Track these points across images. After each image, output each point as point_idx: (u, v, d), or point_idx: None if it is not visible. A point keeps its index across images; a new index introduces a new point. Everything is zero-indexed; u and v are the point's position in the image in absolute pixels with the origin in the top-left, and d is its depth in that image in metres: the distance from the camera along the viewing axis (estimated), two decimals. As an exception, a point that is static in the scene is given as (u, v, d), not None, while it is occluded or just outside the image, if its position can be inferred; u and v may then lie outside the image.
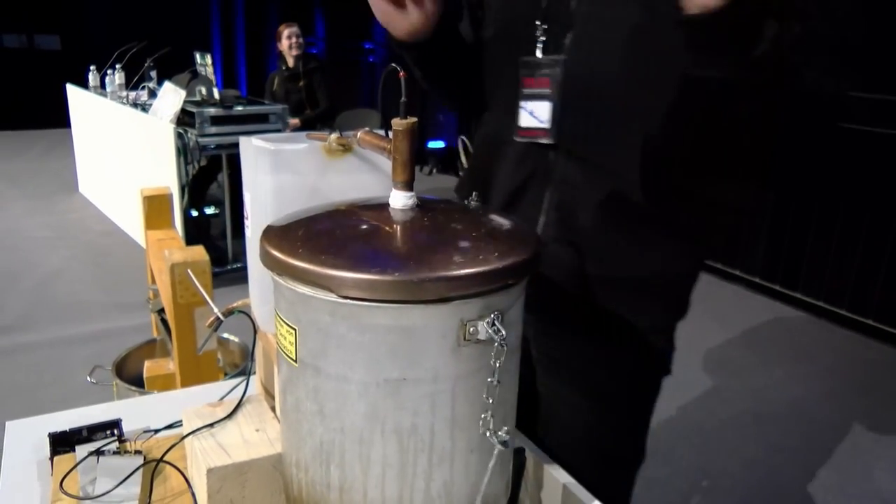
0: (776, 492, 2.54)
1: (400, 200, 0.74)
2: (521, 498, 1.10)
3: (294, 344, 0.69)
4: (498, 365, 0.66)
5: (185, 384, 1.75)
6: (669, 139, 1.00)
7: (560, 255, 1.06)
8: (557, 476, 1.02)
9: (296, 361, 0.69)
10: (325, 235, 0.70)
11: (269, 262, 0.68)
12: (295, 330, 0.68)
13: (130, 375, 2.15)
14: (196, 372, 1.74)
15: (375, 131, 0.82)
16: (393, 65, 0.73)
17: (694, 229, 1.08)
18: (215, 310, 1.02)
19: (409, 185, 0.73)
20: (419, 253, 0.67)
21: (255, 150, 0.91)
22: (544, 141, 1.05)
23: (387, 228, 0.71)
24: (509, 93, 1.07)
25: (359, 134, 0.83)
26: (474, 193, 0.82)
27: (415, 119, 0.71)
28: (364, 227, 0.71)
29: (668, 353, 1.14)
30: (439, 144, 7.32)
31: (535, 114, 1.05)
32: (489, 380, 0.67)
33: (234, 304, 1.04)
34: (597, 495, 0.97)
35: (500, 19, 1.10)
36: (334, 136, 0.89)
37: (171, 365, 2.03)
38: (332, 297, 0.63)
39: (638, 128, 1.00)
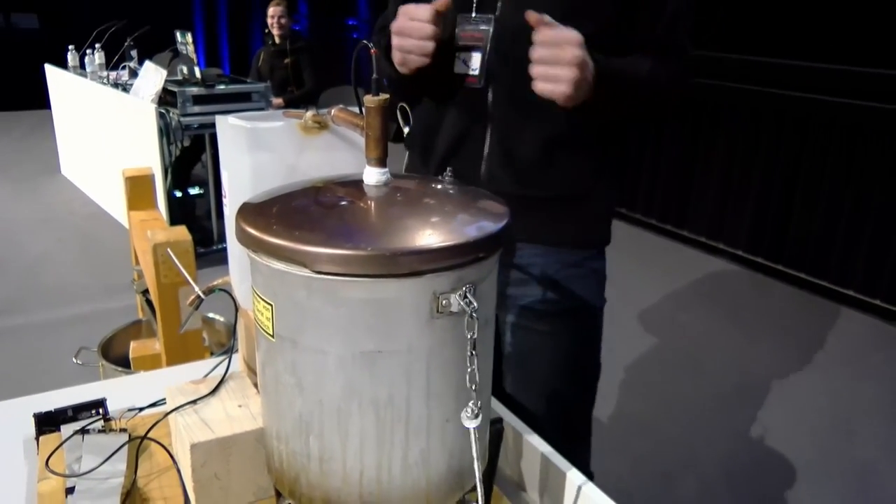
0: (759, 465, 2.59)
1: (373, 177, 0.75)
2: (500, 467, 1.13)
3: (271, 319, 0.70)
4: (471, 336, 0.68)
5: (170, 364, 1.76)
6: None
7: (503, 181, 1.25)
8: (536, 445, 1.05)
9: (273, 336, 0.70)
10: (299, 212, 0.71)
11: (245, 238, 0.69)
12: (271, 305, 0.69)
13: (117, 356, 2.16)
14: (182, 351, 1.75)
15: (349, 108, 0.83)
16: (364, 42, 0.74)
17: (611, 150, 1.29)
18: (196, 288, 1.03)
19: (382, 162, 0.74)
20: (392, 227, 0.68)
21: (231, 129, 0.92)
22: (475, 85, 1.24)
23: (360, 204, 0.72)
24: (449, 48, 1.23)
25: (333, 111, 0.84)
26: (448, 169, 0.83)
27: (386, 96, 0.72)
28: (338, 203, 0.72)
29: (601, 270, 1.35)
30: (425, 122, 7.29)
31: (467, 62, 1.24)
32: (465, 352, 0.69)
33: (215, 283, 1.05)
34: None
35: None
36: (310, 113, 0.90)
37: (156, 345, 2.03)
38: (306, 272, 0.64)
39: None
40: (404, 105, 1.41)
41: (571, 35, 1.05)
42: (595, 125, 1.24)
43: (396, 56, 1.18)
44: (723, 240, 4.62)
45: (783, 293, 4.11)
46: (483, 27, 1.21)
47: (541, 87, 1.06)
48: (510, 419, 1.11)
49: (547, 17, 1.06)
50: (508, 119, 1.25)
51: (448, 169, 0.84)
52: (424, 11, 1.13)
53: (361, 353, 0.66)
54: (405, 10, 1.16)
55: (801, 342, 3.53)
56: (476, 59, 1.23)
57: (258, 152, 0.89)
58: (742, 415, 2.88)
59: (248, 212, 0.72)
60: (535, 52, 1.06)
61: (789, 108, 4.17)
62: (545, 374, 1.36)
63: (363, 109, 0.75)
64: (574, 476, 0.98)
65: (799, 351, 3.43)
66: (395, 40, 1.16)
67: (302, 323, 0.67)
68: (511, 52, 1.19)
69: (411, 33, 1.14)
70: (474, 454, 0.67)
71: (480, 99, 1.25)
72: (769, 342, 3.52)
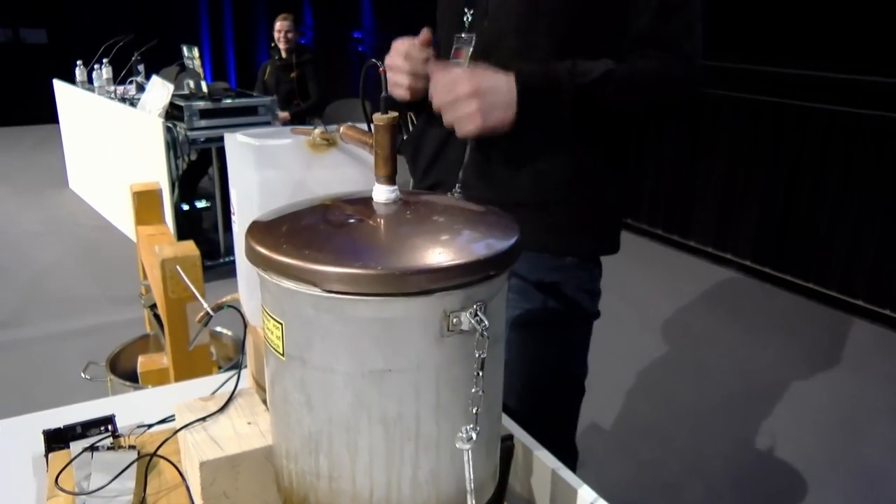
0: (768, 472, 2.57)
1: (382, 194, 0.75)
2: (510, 483, 1.12)
3: (281, 338, 0.70)
4: (480, 355, 0.67)
5: (178, 379, 1.76)
6: None
7: (477, 188, 1.26)
8: (546, 461, 1.04)
9: (283, 355, 0.70)
10: (308, 230, 0.71)
11: (254, 257, 0.69)
12: (281, 324, 0.69)
13: (124, 371, 2.16)
14: (189, 366, 1.75)
15: (357, 126, 0.83)
16: (373, 60, 0.74)
17: (590, 156, 1.29)
18: (205, 305, 1.03)
19: (391, 179, 0.74)
20: (401, 246, 0.68)
21: (239, 146, 0.92)
22: None
23: (369, 222, 0.72)
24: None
25: (341, 128, 0.84)
26: (458, 185, 0.83)
27: (395, 114, 0.72)
28: (347, 221, 0.72)
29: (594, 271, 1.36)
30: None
31: None
32: (473, 370, 0.69)
33: (224, 299, 1.05)
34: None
35: (445, 14, 1.37)
36: (318, 130, 0.90)
37: (164, 360, 2.03)
38: (315, 291, 0.64)
39: None
40: (411, 114, 1.45)
41: (458, 73, 1.15)
42: (568, 130, 1.25)
43: (391, 87, 1.27)
44: (730, 250, 4.61)
45: (790, 302, 4.10)
46: (466, 45, 1.27)
47: (458, 131, 1.14)
48: (520, 435, 1.11)
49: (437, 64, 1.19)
50: None
51: (457, 185, 0.84)
52: (402, 46, 1.23)
53: (370, 371, 0.66)
54: (393, 46, 1.26)
55: (808, 350, 3.51)
56: None
57: (266, 169, 0.89)
58: (749, 421, 2.87)
59: (258, 230, 0.72)
60: (434, 102, 1.15)
61: (793, 116, 4.17)
62: (514, 383, 1.27)
63: (371, 127, 0.75)
64: (585, 493, 0.97)
65: (806, 358, 3.42)
66: (388, 73, 1.25)
67: (311, 341, 0.67)
68: (488, 63, 1.22)
69: (394, 67, 1.24)
70: (467, 476, 0.67)
71: None
72: (776, 350, 3.50)
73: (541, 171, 1.27)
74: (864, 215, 3.86)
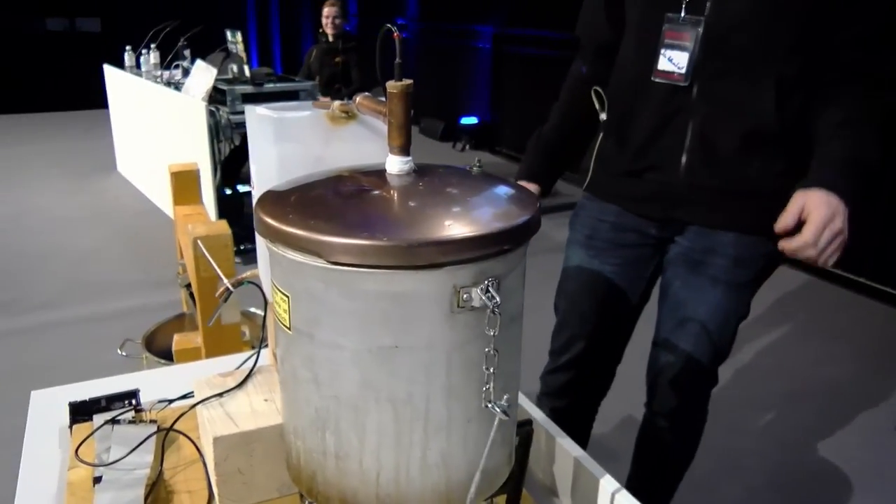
0: (809, 474, 2.48)
1: (396, 165, 0.72)
2: (532, 470, 1.09)
3: (288, 311, 0.68)
4: (493, 333, 0.64)
5: (209, 357, 1.77)
6: (799, 76, 1.28)
7: (702, 173, 1.36)
8: (569, 449, 1.01)
9: (290, 329, 0.68)
10: (316, 201, 0.69)
11: (263, 228, 0.67)
12: (288, 297, 0.67)
13: (160, 349, 2.19)
14: (220, 345, 1.76)
15: (372, 96, 0.81)
16: (388, 26, 0.71)
17: (809, 149, 1.31)
18: (224, 280, 1.02)
19: (405, 150, 0.71)
20: (411, 217, 0.66)
21: (258, 120, 0.90)
22: (679, 83, 1.32)
23: (380, 193, 0.69)
24: (651, 43, 1.35)
25: (357, 98, 0.82)
26: (477, 160, 0.80)
27: (410, 81, 0.69)
28: (357, 192, 0.70)
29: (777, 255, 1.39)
30: (472, 120, 7.26)
31: (674, 60, 1.32)
32: (486, 349, 0.66)
33: (244, 275, 1.04)
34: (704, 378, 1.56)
35: None
36: (337, 103, 0.88)
37: (198, 339, 2.05)
38: (322, 262, 0.62)
39: (771, 72, 1.27)
40: (598, 89, 1.48)
41: (835, 207, 1.21)
42: (797, 124, 1.31)
43: None
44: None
45: (838, 297, 3.95)
46: (691, 28, 1.30)
47: (826, 262, 1.23)
48: (543, 422, 1.07)
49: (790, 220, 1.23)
50: (711, 114, 1.32)
51: (477, 160, 0.81)
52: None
53: (378, 347, 0.64)
54: None
55: (857, 348, 3.38)
56: (683, 59, 1.31)
57: (285, 143, 0.87)
58: (790, 421, 2.78)
59: (267, 201, 0.70)
60: (820, 245, 1.21)
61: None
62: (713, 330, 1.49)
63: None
64: (607, 483, 0.94)
65: (853, 357, 3.29)
66: None
67: (318, 316, 0.65)
68: (718, 52, 1.29)
69: None
70: (485, 453, 0.64)
71: (683, 94, 1.33)
72: (822, 347, 3.38)
73: (766, 162, 1.33)
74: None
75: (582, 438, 1.83)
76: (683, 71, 1.32)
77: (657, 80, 1.35)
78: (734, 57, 1.29)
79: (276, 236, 0.65)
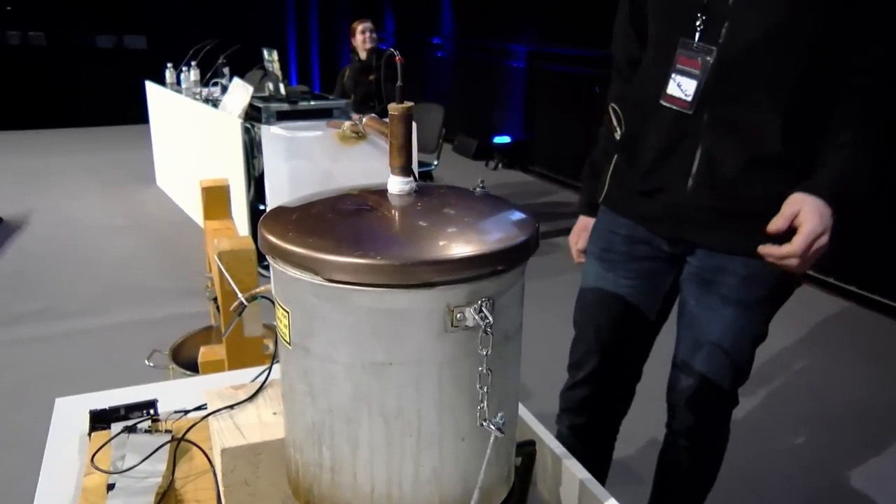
0: (836, 497, 2.42)
1: (397, 185, 0.74)
2: (539, 491, 1.09)
3: (287, 326, 0.70)
4: (486, 352, 0.65)
5: (231, 369, 1.80)
6: (807, 103, 1.29)
7: (707, 196, 1.35)
8: (575, 471, 1.00)
9: (289, 343, 0.70)
10: (316, 219, 0.71)
11: (264, 245, 0.69)
12: (288, 313, 0.69)
13: (186, 360, 2.23)
14: (242, 358, 1.78)
15: (377, 117, 0.82)
16: (391, 50, 0.73)
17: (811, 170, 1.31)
18: (239, 294, 1.04)
19: (405, 170, 0.73)
20: (405, 237, 0.67)
21: (272, 138, 0.93)
22: (684, 111, 1.32)
23: (378, 212, 0.71)
24: (664, 64, 1.34)
25: (364, 119, 0.84)
26: (480, 181, 0.81)
27: (410, 104, 0.71)
28: (357, 211, 0.72)
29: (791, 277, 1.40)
30: (505, 139, 7.28)
31: (682, 87, 1.32)
32: (479, 368, 0.67)
33: (258, 290, 1.06)
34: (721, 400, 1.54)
35: (665, 8, 1.38)
36: (348, 123, 0.90)
37: (223, 351, 2.09)
38: (317, 279, 0.64)
39: (780, 98, 1.28)
40: (615, 106, 1.49)
41: (819, 226, 1.22)
42: (804, 147, 1.31)
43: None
44: (812, 266, 4.38)
45: (870, 321, 3.86)
46: (703, 56, 1.29)
47: (802, 269, 1.27)
48: (549, 441, 1.07)
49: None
50: (718, 139, 1.33)
51: (480, 180, 0.82)
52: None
53: (370, 363, 0.65)
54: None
55: (886, 370, 3.30)
56: (691, 87, 1.31)
57: (295, 160, 0.90)
58: (819, 444, 2.71)
59: (270, 218, 0.72)
60: (805, 258, 1.23)
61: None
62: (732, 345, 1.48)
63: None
64: (611, 505, 0.93)
65: (883, 378, 3.21)
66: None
67: (312, 330, 0.67)
68: (729, 78, 1.29)
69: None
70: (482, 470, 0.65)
71: (693, 119, 1.33)
72: (854, 371, 3.30)
73: (771, 185, 1.31)
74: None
75: (604, 458, 1.82)
76: (689, 99, 1.32)
77: (664, 103, 1.36)
78: (744, 84, 1.29)
79: (275, 253, 0.67)
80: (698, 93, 1.31)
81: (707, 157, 1.34)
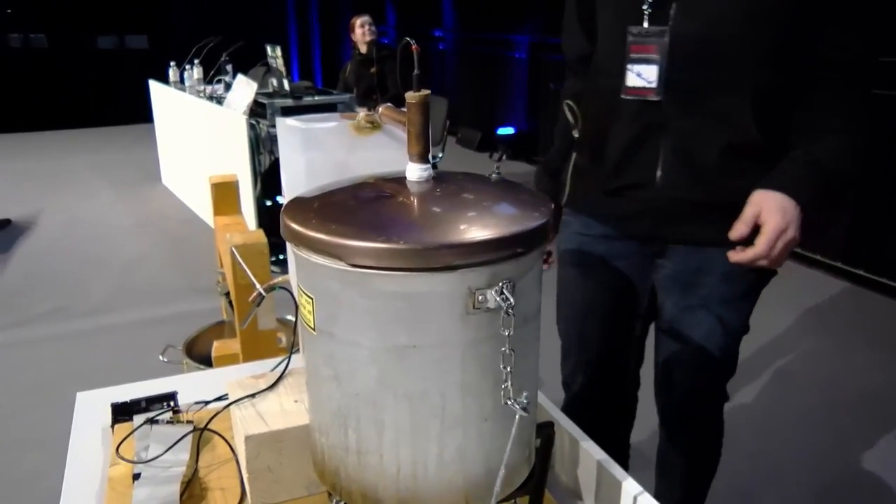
0: (853, 485, 2.43)
1: (415, 172, 0.75)
2: (557, 473, 1.11)
3: (312, 312, 0.71)
4: (508, 333, 0.67)
5: (246, 362, 1.81)
6: (778, 85, 1.22)
7: (680, 186, 1.30)
8: (592, 452, 1.02)
9: (314, 329, 0.71)
10: (337, 206, 0.72)
11: (287, 233, 0.71)
12: (312, 299, 0.70)
13: (200, 355, 2.25)
14: (256, 350, 1.80)
15: (392, 106, 0.84)
16: (407, 39, 0.75)
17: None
18: (257, 285, 1.06)
19: (423, 158, 0.74)
20: (426, 221, 0.68)
21: (288, 130, 0.94)
22: (652, 98, 1.25)
23: (398, 199, 0.72)
24: (618, 57, 1.28)
25: (380, 108, 0.85)
26: (496, 166, 0.83)
27: (427, 91, 0.72)
28: (377, 198, 0.73)
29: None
30: (509, 131, 7.28)
31: (643, 75, 1.25)
32: (502, 349, 0.68)
33: (276, 281, 1.08)
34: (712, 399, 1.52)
35: None
36: (363, 113, 0.91)
37: (236, 345, 2.11)
38: (341, 265, 0.65)
39: (747, 79, 1.21)
40: (570, 103, 1.45)
41: (781, 222, 1.17)
42: (780, 133, 1.26)
43: None
44: (819, 251, 4.38)
45: (879, 305, 3.86)
46: (657, 39, 1.23)
47: (776, 264, 1.21)
48: (566, 424, 1.09)
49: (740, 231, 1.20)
50: (685, 127, 1.27)
51: (496, 167, 0.83)
52: None
53: (395, 346, 0.66)
54: None
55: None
56: (652, 73, 1.25)
57: (312, 151, 0.91)
58: (832, 432, 2.72)
59: (292, 207, 0.73)
60: (772, 256, 1.18)
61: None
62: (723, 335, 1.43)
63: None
64: (629, 486, 0.95)
65: (893, 361, 3.21)
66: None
67: (337, 315, 0.68)
68: (688, 62, 1.22)
69: None
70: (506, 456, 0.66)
71: (655, 108, 1.27)
72: (866, 358, 3.31)
73: (750, 173, 1.26)
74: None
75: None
76: (654, 85, 1.25)
77: (628, 97, 1.29)
78: (705, 67, 1.23)
79: (299, 240, 0.68)
80: (662, 76, 1.24)
81: (677, 146, 1.28)
